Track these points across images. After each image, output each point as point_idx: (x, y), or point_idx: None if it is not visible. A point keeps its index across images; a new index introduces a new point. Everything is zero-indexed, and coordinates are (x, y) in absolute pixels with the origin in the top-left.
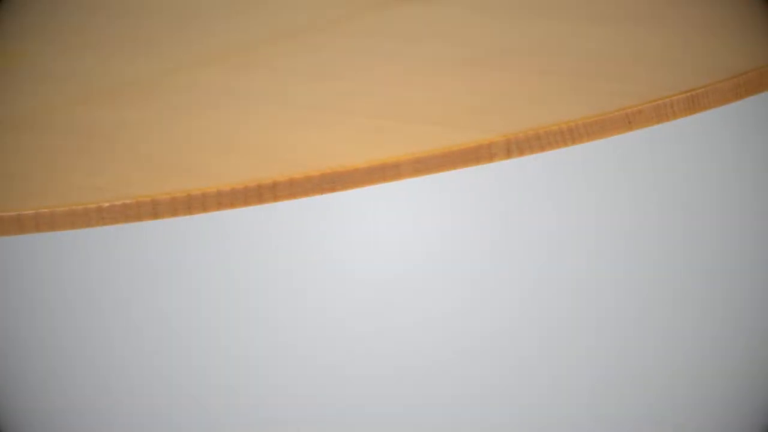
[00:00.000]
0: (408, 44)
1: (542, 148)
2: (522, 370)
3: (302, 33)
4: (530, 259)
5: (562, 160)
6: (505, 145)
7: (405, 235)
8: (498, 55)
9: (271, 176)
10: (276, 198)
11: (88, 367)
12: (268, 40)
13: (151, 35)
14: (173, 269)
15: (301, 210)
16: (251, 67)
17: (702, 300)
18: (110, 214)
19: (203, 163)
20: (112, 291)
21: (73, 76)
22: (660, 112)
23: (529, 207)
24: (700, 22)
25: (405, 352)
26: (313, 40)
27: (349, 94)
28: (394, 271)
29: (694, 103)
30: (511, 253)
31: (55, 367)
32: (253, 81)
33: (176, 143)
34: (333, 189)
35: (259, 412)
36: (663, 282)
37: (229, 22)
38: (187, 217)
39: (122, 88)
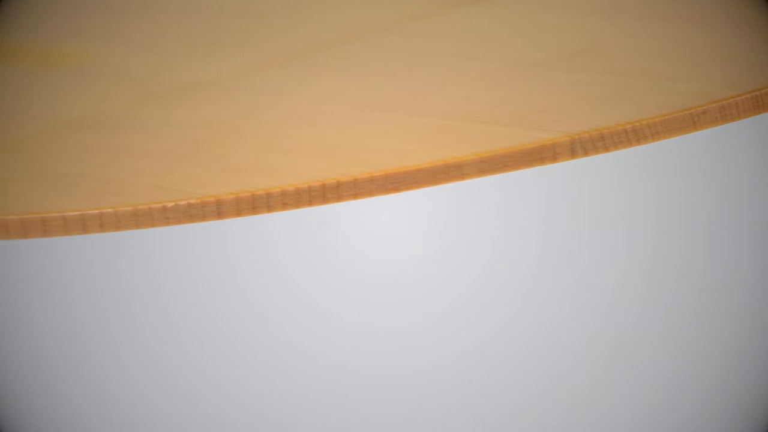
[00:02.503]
0: (472, 45)
1: (606, 148)
2: (530, 372)
3: (369, 34)
4: (532, 262)
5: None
6: (570, 146)
7: (406, 236)
8: (562, 55)
9: (335, 176)
10: (340, 198)
11: (89, 368)
12: (335, 41)
13: (217, 36)
14: (175, 270)
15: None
16: (317, 67)
17: (702, 300)
18: (174, 214)
19: (268, 164)
20: (113, 291)
21: (139, 77)
22: (725, 112)
23: (532, 211)
24: (750, 22)
25: (406, 353)
26: (380, 41)
27: (414, 95)
28: (396, 272)
29: (758, 102)
30: (512, 254)
31: (56, 368)
32: (318, 81)
33: (241, 143)
34: (397, 189)
35: (263, 415)
36: (663, 282)
37: (296, 23)
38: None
39: (188, 89)
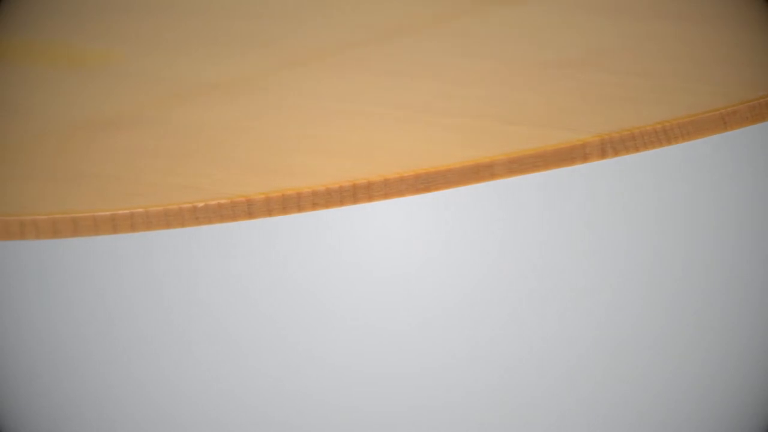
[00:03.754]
0: (502, 45)
1: (637, 148)
2: (531, 372)
3: (397, 34)
4: (537, 263)
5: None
6: (600, 146)
7: (411, 235)
8: (592, 56)
9: (366, 176)
10: (370, 198)
11: (90, 369)
12: (364, 41)
13: (245, 36)
14: (177, 269)
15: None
16: (346, 67)
17: (702, 300)
18: (205, 214)
19: (298, 163)
20: (115, 292)
21: (167, 76)
22: (755, 112)
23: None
24: None
25: (411, 354)
26: (409, 41)
27: (444, 95)
28: (400, 272)
29: None
30: (516, 255)
31: (56, 368)
32: (348, 81)
33: (271, 143)
34: (427, 189)
35: (267, 416)
36: (662, 282)
37: (325, 22)
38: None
39: (216, 89)
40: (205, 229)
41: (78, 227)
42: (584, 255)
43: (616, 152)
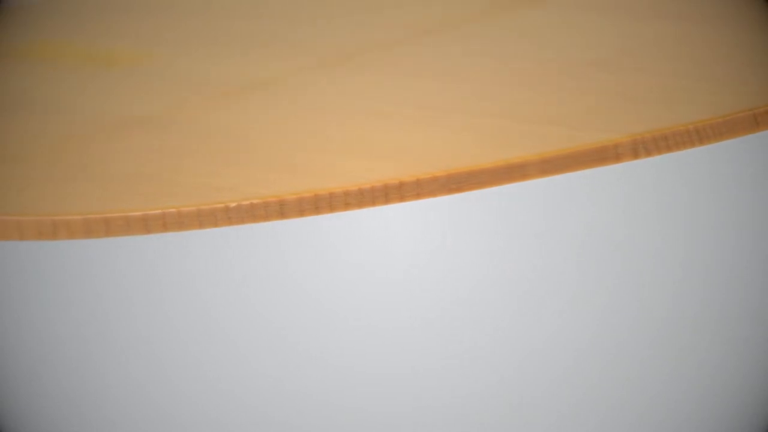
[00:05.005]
0: (534, 46)
1: (669, 148)
2: (533, 373)
3: (427, 35)
4: (537, 263)
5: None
6: (632, 146)
7: (413, 235)
8: (624, 56)
9: (398, 176)
10: (402, 198)
11: (90, 369)
12: (394, 42)
13: (275, 36)
14: (177, 270)
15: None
16: (378, 67)
17: (702, 299)
18: (237, 214)
19: (330, 163)
20: (115, 292)
21: (195, 77)
22: None
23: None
24: None
25: (412, 354)
26: (440, 42)
27: (476, 95)
28: (402, 272)
29: None
30: (517, 256)
31: (56, 368)
32: (380, 81)
33: (303, 143)
34: (459, 189)
35: (267, 417)
36: (662, 281)
37: (355, 23)
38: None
39: (249, 89)
40: (202, 233)
41: (110, 227)
42: (584, 255)
43: (648, 152)
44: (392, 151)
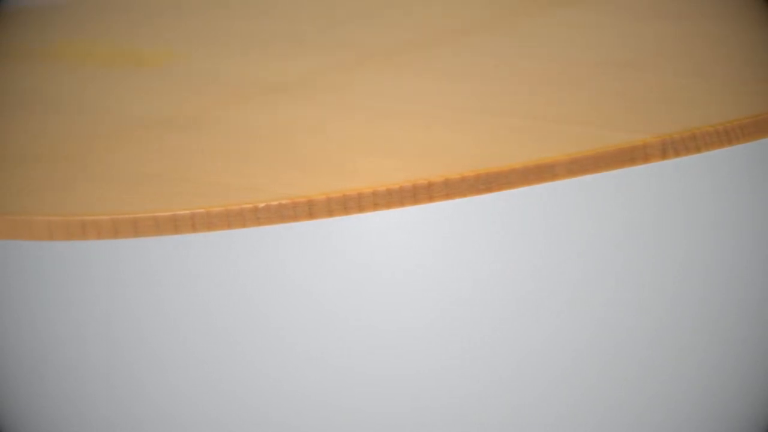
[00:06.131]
0: (560, 47)
1: (698, 149)
2: (533, 373)
3: (457, 35)
4: (538, 263)
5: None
6: (661, 146)
7: (415, 235)
8: (652, 57)
9: (427, 177)
10: (431, 199)
11: (90, 369)
12: (423, 43)
13: (305, 36)
14: (178, 270)
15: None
16: (407, 68)
17: (702, 299)
18: (266, 215)
19: (358, 164)
20: (115, 292)
21: (225, 77)
22: None
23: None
24: None
25: (413, 355)
26: (468, 42)
27: (505, 96)
28: (404, 273)
29: None
30: (518, 256)
31: (56, 368)
32: (408, 82)
33: (331, 144)
34: (488, 190)
35: (268, 417)
36: (661, 283)
37: (385, 23)
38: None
39: (277, 89)
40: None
41: (139, 228)
42: (584, 255)
43: (677, 153)
44: (421, 152)
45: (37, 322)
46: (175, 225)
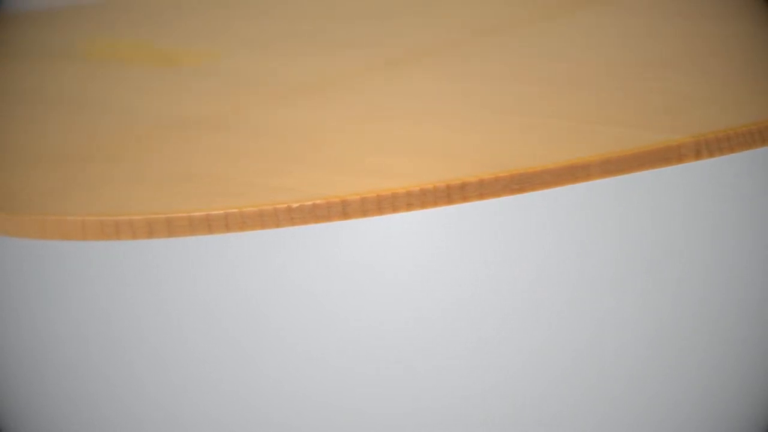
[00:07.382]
0: (591, 46)
1: (732, 149)
2: (533, 373)
3: (485, 35)
4: (540, 264)
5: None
6: (695, 146)
7: (415, 236)
8: (685, 57)
9: (460, 177)
10: (465, 199)
11: (90, 369)
12: (452, 43)
13: (334, 37)
14: (178, 270)
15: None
16: (440, 68)
17: (702, 299)
18: (300, 215)
19: (392, 164)
20: (116, 292)
21: (257, 77)
22: None
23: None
24: None
25: (414, 355)
26: (499, 42)
27: (539, 96)
28: (404, 273)
29: None
30: (518, 257)
31: (56, 368)
32: (440, 83)
33: (365, 143)
34: (522, 190)
35: (268, 418)
36: (661, 283)
37: (413, 25)
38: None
39: (310, 89)
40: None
41: (173, 228)
42: (584, 256)
43: (711, 153)
44: (454, 152)
45: (37, 321)
46: (209, 225)
